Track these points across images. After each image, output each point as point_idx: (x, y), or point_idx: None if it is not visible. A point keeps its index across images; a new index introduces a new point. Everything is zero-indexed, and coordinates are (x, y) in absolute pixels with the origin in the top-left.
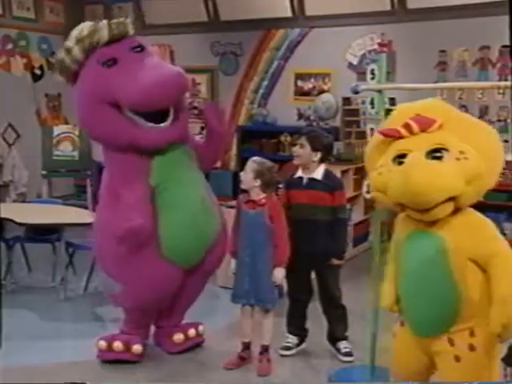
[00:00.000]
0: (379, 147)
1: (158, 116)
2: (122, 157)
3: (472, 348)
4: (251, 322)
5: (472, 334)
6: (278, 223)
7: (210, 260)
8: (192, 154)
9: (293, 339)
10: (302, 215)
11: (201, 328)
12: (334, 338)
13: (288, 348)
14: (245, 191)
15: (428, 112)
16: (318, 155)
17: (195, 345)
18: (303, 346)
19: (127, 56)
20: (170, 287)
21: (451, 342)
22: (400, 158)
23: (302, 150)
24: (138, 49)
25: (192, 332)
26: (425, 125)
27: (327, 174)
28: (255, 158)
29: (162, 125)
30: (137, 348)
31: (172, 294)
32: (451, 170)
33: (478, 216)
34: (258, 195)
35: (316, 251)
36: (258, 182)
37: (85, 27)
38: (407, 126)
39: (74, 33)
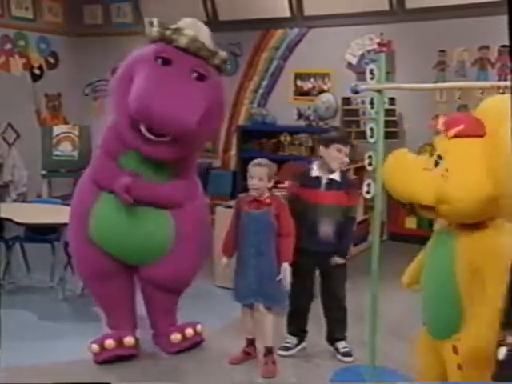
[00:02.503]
0: None
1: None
2: (113, 135)
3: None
4: (252, 320)
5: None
6: (284, 220)
7: (154, 273)
8: (168, 172)
9: (292, 340)
10: (320, 215)
11: (199, 327)
12: (333, 338)
13: (287, 348)
14: (245, 191)
15: (485, 114)
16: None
17: (194, 344)
18: (302, 346)
19: (180, 70)
20: (102, 267)
21: (455, 350)
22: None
23: (342, 154)
24: (195, 74)
25: (189, 332)
26: (447, 127)
27: (343, 173)
28: (259, 161)
29: (155, 138)
30: (129, 340)
31: (112, 276)
32: (424, 179)
33: (498, 241)
34: (263, 195)
35: (326, 250)
36: (270, 184)
37: (185, 22)
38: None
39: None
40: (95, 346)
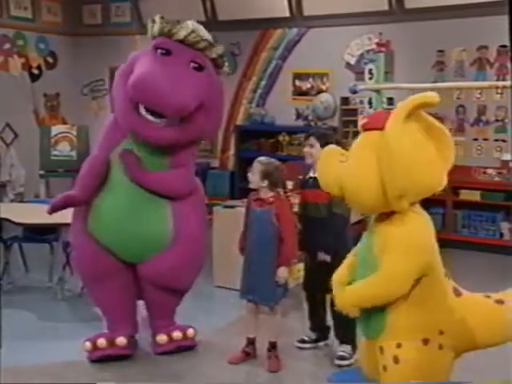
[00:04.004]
0: None
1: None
2: (113, 124)
3: (396, 360)
4: (256, 318)
5: (399, 345)
6: (285, 222)
7: (148, 270)
8: (164, 162)
9: (311, 334)
10: (309, 213)
11: (190, 331)
12: (338, 339)
13: (304, 341)
14: (254, 190)
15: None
16: None
17: (182, 348)
18: (323, 342)
19: (178, 59)
20: (103, 266)
21: (381, 350)
22: None
23: (313, 149)
24: (196, 65)
25: (177, 334)
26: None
27: None
28: (261, 158)
29: (157, 120)
30: (121, 340)
31: (112, 276)
32: (333, 170)
33: (404, 226)
34: (266, 194)
35: (322, 247)
36: (265, 183)
37: (187, 24)
38: None
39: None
40: (88, 344)
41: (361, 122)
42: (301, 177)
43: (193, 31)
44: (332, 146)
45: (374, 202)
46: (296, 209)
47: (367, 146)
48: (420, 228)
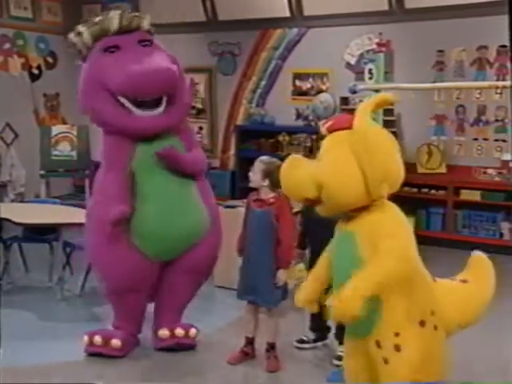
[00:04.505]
0: None
1: (150, 104)
2: (112, 141)
3: (398, 348)
4: (255, 318)
5: (397, 334)
6: (284, 223)
7: (194, 258)
8: (180, 149)
9: (310, 334)
10: (314, 215)
11: (193, 331)
12: (336, 339)
13: (302, 341)
14: (254, 189)
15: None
16: None
17: (181, 345)
18: (322, 342)
19: (131, 47)
20: (142, 277)
21: (378, 344)
22: None
23: None
24: (147, 43)
25: (179, 332)
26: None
27: None
28: (263, 157)
29: (150, 112)
30: (115, 342)
31: (147, 285)
32: (305, 174)
33: (386, 212)
34: (266, 194)
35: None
36: (266, 182)
37: (101, 15)
38: None
39: (90, 19)
40: (86, 338)
41: (326, 125)
42: None
43: (121, 16)
44: (295, 155)
45: (357, 194)
46: (296, 209)
47: (338, 145)
48: (401, 214)
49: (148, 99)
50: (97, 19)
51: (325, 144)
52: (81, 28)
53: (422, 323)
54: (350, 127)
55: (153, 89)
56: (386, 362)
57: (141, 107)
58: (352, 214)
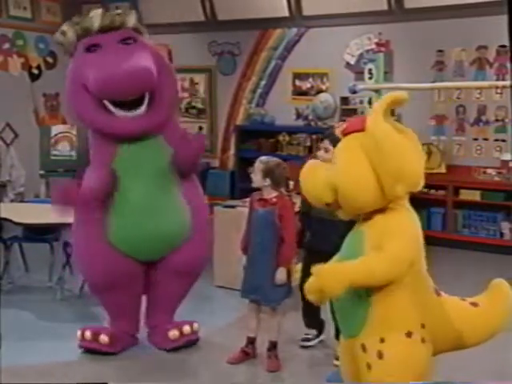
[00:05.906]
0: None
1: (131, 104)
2: (97, 142)
3: (380, 355)
4: (257, 317)
5: (382, 340)
6: (287, 222)
7: (178, 259)
8: (164, 148)
9: (311, 331)
10: (316, 214)
11: (195, 325)
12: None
13: (308, 339)
14: (253, 190)
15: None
16: None
17: (190, 342)
18: (321, 337)
19: (112, 46)
20: (121, 275)
21: (363, 348)
22: None
23: (327, 154)
24: (130, 41)
25: (187, 329)
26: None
27: None
28: (263, 157)
29: (131, 113)
30: (103, 338)
31: (132, 283)
32: (322, 179)
33: (396, 214)
34: (269, 194)
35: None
36: (267, 181)
37: (93, 14)
38: None
39: (74, 18)
40: (79, 333)
41: (340, 128)
42: None
43: (103, 15)
44: (314, 161)
45: (371, 197)
46: (297, 208)
47: (351, 148)
48: (414, 220)
49: (127, 100)
50: (79, 18)
51: (339, 147)
52: (65, 27)
53: (409, 334)
54: (363, 129)
55: (128, 89)
56: (369, 367)
57: (122, 107)
58: (368, 215)
